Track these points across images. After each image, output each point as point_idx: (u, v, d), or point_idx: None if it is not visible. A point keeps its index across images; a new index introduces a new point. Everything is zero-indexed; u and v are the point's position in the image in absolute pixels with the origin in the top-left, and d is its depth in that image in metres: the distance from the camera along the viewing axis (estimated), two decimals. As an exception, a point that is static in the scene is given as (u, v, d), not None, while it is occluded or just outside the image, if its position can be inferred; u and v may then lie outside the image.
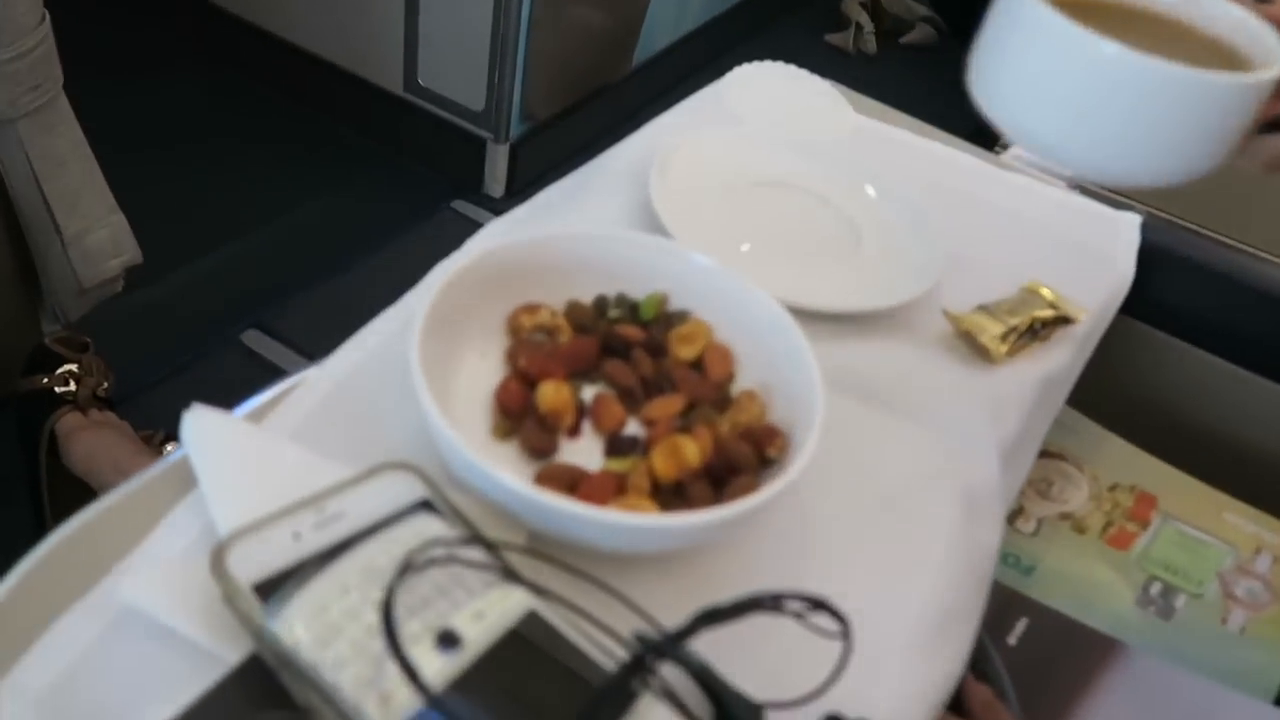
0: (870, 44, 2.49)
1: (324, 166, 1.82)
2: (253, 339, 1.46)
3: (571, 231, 0.51)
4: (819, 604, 0.36)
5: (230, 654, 0.36)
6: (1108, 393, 0.71)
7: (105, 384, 1.12)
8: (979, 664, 0.56)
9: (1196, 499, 0.66)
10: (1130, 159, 0.44)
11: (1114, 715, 0.54)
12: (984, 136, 0.89)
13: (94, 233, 1.02)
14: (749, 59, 0.78)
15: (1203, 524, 0.65)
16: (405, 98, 1.81)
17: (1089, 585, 0.61)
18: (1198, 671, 0.57)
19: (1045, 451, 0.70)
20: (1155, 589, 0.61)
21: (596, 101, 1.93)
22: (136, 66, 1.91)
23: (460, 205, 1.77)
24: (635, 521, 0.39)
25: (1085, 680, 0.56)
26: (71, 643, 0.36)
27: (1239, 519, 0.65)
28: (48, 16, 0.90)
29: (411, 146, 1.85)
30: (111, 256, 1.03)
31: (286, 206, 1.73)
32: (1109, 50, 0.41)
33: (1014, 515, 0.66)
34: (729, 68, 0.76)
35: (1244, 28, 0.46)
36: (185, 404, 0.42)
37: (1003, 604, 0.59)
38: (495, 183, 1.81)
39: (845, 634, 0.37)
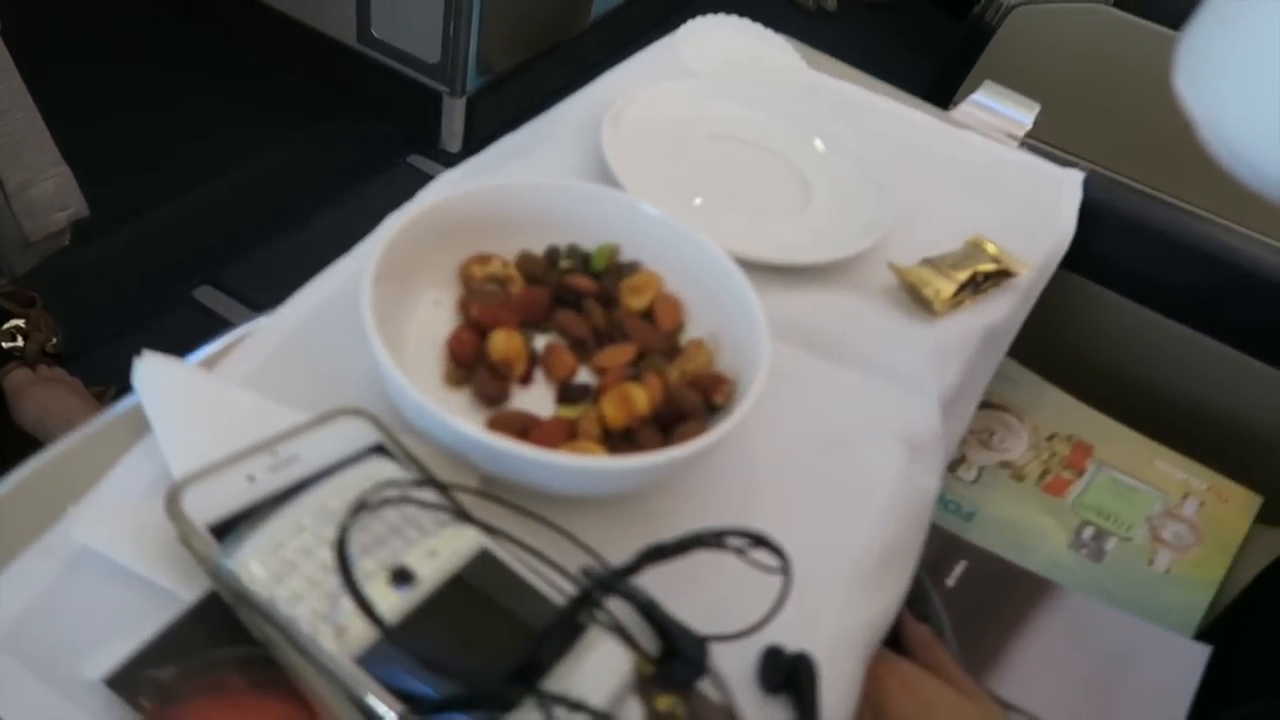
0: (831, 1, 2.49)
1: (277, 119, 1.79)
2: (205, 294, 1.44)
3: (523, 182, 0.51)
4: (759, 540, 0.38)
5: (188, 593, 0.36)
6: (1049, 346, 0.74)
7: (54, 340, 1.10)
8: (919, 604, 0.58)
9: (1130, 447, 0.69)
10: None
11: (1045, 650, 0.57)
12: (938, 95, 0.90)
13: (38, 185, 1.00)
14: (710, 13, 0.78)
15: (1135, 471, 0.68)
16: (358, 49, 1.77)
17: (1025, 530, 0.64)
18: (1125, 609, 0.60)
19: (988, 403, 0.72)
20: (1088, 533, 0.64)
21: (555, 55, 1.91)
22: (84, 15, 1.85)
23: (416, 160, 1.75)
24: (583, 464, 0.40)
25: (1019, 618, 0.58)
26: (29, 584, 0.36)
27: (1169, 466, 0.68)
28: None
29: (366, 99, 1.82)
30: (57, 209, 1.01)
31: (239, 160, 1.69)
32: None
33: (956, 464, 0.68)
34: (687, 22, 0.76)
35: None
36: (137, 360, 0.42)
37: (943, 548, 0.62)
38: (452, 137, 1.79)
39: (785, 569, 0.38)
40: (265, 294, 0.49)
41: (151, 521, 0.37)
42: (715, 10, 0.79)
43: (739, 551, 0.38)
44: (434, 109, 1.79)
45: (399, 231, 0.45)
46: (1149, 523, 0.65)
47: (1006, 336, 0.63)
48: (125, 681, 0.34)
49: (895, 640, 0.56)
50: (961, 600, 0.59)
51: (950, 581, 0.60)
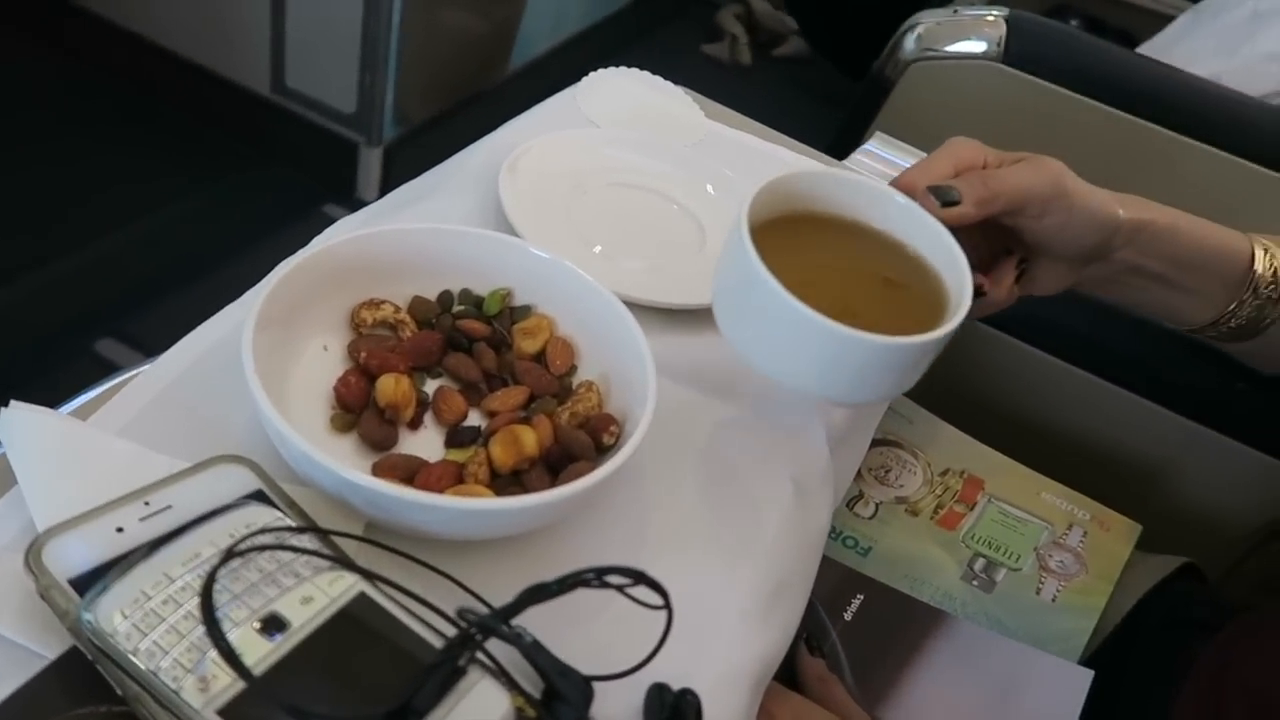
0: (745, 55, 2.56)
1: (190, 170, 1.76)
2: (108, 347, 1.41)
3: (415, 228, 0.52)
4: (640, 577, 0.38)
5: (50, 650, 0.35)
6: (942, 385, 0.76)
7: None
8: (816, 639, 0.59)
9: (1018, 481, 0.72)
10: (836, 392, 0.48)
11: (937, 679, 0.58)
12: (843, 147, 0.93)
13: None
14: (625, 66, 0.80)
15: (1023, 503, 0.70)
16: (273, 99, 1.77)
17: (920, 563, 0.66)
18: (1015, 638, 0.61)
19: (884, 440, 0.74)
20: (979, 564, 0.66)
21: (473, 106, 1.92)
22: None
23: (332, 209, 1.75)
24: (465, 505, 0.40)
25: (913, 649, 0.59)
26: (-125, 645, 0.35)
27: (1055, 498, 0.71)
28: None
29: (281, 149, 1.81)
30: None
31: (148, 210, 1.66)
32: (805, 314, 0.44)
33: (854, 500, 0.70)
34: None
35: (939, 245, 0.49)
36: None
37: (840, 583, 0.63)
38: (369, 187, 1.79)
39: (666, 605, 0.39)
40: (172, 345, 0.48)
41: (12, 576, 0.35)
42: (631, 64, 0.81)
43: (620, 589, 0.39)
44: (350, 159, 1.79)
45: (283, 277, 0.45)
46: (1036, 553, 0.67)
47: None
48: (-24, 744, 0.32)
49: (791, 675, 0.57)
50: (859, 634, 0.60)
51: (848, 615, 0.61)
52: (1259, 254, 0.54)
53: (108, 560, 0.36)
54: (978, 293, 0.50)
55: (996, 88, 1.31)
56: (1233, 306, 0.54)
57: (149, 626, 0.33)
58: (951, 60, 1.34)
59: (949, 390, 0.78)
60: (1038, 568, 0.66)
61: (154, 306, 1.47)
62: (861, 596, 0.62)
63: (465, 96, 1.88)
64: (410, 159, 1.86)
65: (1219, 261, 0.54)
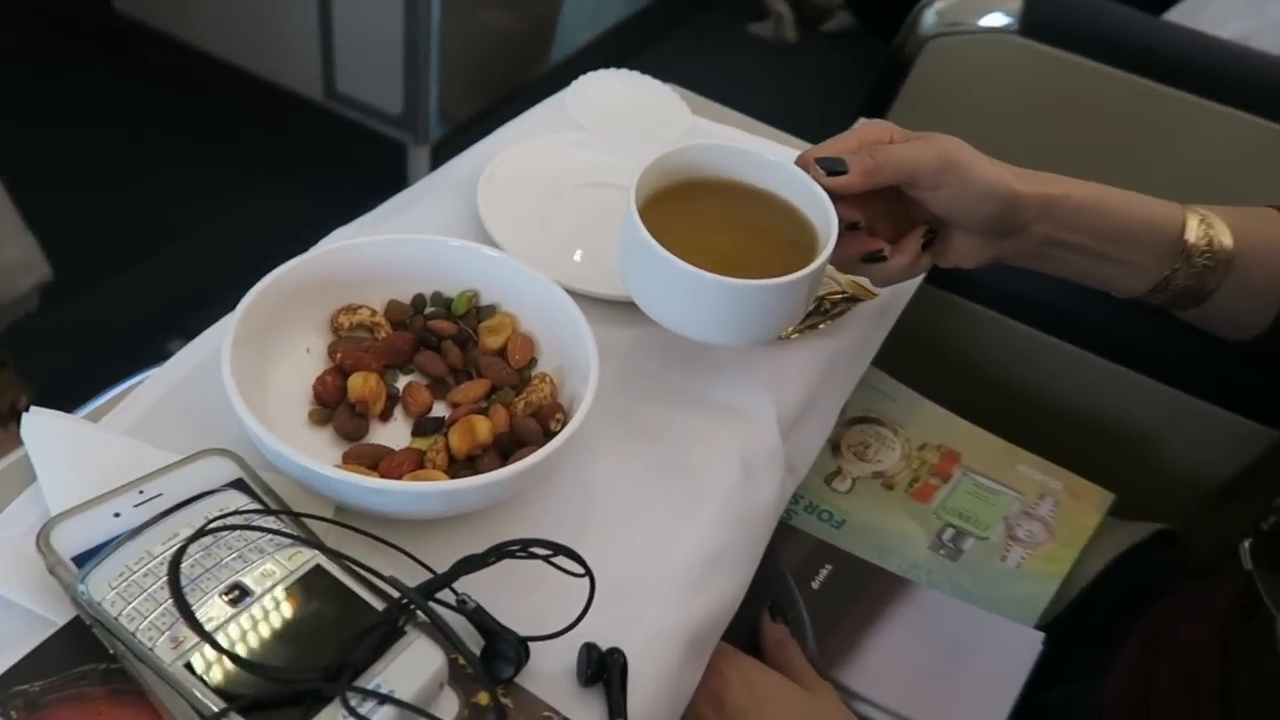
0: (790, 32, 2.56)
1: (249, 174, 1.87)
2: (178, 347, 1.51)
3: (390, 238, 0.57)
4: (559, 548, 0.43)
5: (58, 618, 0.42)
6: (922, 361, 0.79)
7: (23, 399, 1.16)
8: (782, 607, 0.63)
9: (994, 453, 0.74)
10: (719, 335, 0.55)
11: (894, 642, 0.61)
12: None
13: (4, 251, 1.07)
14: (669, 52, 0.84)
15: (997, 475, 0.72)
16: (326, 104, 1.86)
17: (890, 534, 0.69)
18: (976, 603, 0.64)
19: (865, 418, 0.77)
20: (948, 534, 0.69)
21: (516, 100, 1.98)
22: (53, 81, 1.94)
23: (383, 207, 1.83)
24: (411, 489, 0.45)
25: (874, 615, 0.63)
26: (-80, 614, 0.42)
27: (1029, 469, 0.73)
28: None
29: (335, 151, 1.90)
30: (22, 275, 1.08)
31: (215, 214, 1.77)
32: (683, 269, 0.51)
33: (832, 476, 0.73)
34: (649, 62, 0.82)
35: (812, 198, 0.55)
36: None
37: (810, 554, 0.67)
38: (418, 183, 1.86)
39: (588, 574, 0.44)
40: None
41: (28, 557, 0.42)
42: (674, 49, 0.85)
43: (545, 559, 0.44)
44: (399, 157, 1.87)
45: (261, 290, 0.51)
46: (1005, 522, 0.69)
47: (861, 355, 0.68)
48: (-4, 694, 0.39)
49: (754, 640, 0.61)
50: (824, 601, 0.64)
51: (815, 584, 0.65)
52: (1192, 223, 0.56)
53: (105, 540, 0.42)
54: (878, 257, 0.56)
55: (1017, 60, 1.31)
56: (1166, 274, 0.56)
57: (131, 595, 0.39)
58: (971, 34, 1.34)
59: (927, 366, 0.80)
60: (1005, 536, 0.68)
61: (219, 307, 1.57)
62: (830, 566, 0.66)
63: (507, 92, 1.94)
64: (455, 154, 1.93)
65: (1147, 232, 0.56)
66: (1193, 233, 0.56)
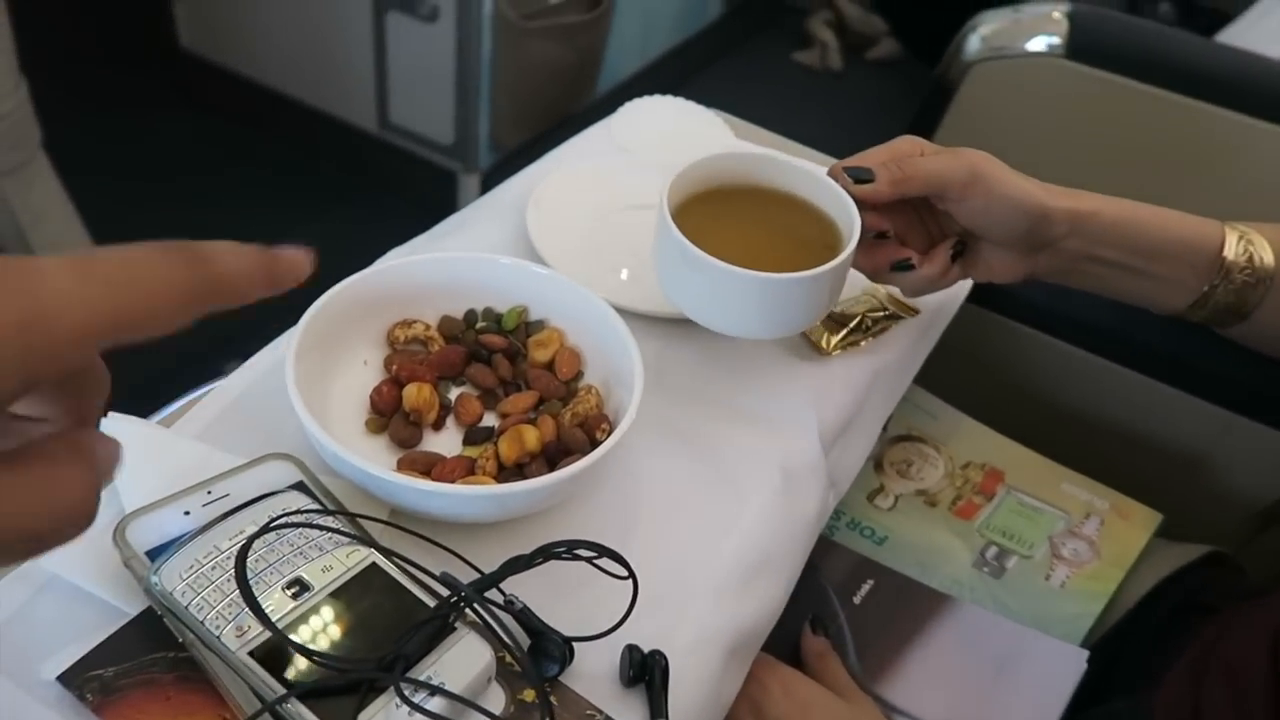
0: (836, 60, 2.58)
1: (305, 204, 1.93)
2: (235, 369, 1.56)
3: (443, 256, 0.59)
4: (604, 550, 0.45)
5: (131, 609, 0.44)
6: (966, 380, 0.79)
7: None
8: (823, 621, 0.64)
9: (1039, 472, 0.74)
10: (743, 328, 0.58)
11: (936, 657, 0.61)
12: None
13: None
14: (715, 82, 0.87)
15: (1042, 494, 0.72)
16: (380, 135, 1.91)
17: (933, 551, 0.69)
18: (1019, 621, 0.64)
19: (908, 436, 0.78)
20: (991, 552, 0.69)
21: (564, 130, 2.02)
22: (121, 113, 2.03)
23: (434, 234, 1.87)
24: (461, 492, 0.47)
25: (916, 630, 0.63)
26: (5, 604, 0.45)
27: (1075, 488, 0.72)
28: (24, 83, 1.00)
29: (388, 180, 1.95)
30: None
31: (270, 240, 1.82)
32: (713, 264, 0.54)
33: (874, 494, 0.73)
34: (696, 91, 0.85)
35: (838, 202, 0.57)
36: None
37: (852, 569, 0.67)
38: (468, 211, 1.91)
39: (631, 576, 0.45)
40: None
41: (105, 551, 0.45)
42: (721, 79, 0.87)
43: (589, 561, 0.45)
44: (450, 186, 1.91)
45: (321, 306, 0.54)
46: (1050, 541, 0.69)
47: (905, 372, 0.69)
48: (73, 679, 0.41)
49: (796, 652, 0.61)
50: (866, 616, 0.64)
51: (857, 599, 0.65)
52: (1231, 240, 0.56)
53: (176, 536, 0.45)
54: (906, 265, 0.58)
55: (1062, 83, 1.31)
56: (1205, 290, 0.56)
57: (200, 587, 0.42)
58: (1015, 59, 1.34)
59: (971, 385, 0.80)
60: (1050, 555, 0.68)
61: (276, 330, 1.62)
62: (871, 581, 0.66)
63: (556, 122, 1.99)
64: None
65: (1185, 248, 0.56)
66: (1232, 249, 0.56)
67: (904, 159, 0.55)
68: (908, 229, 0.59)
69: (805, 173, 0.59)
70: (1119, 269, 0.57)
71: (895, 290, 0.67)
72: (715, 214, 0.59)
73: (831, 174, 0.57)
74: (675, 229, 0.55)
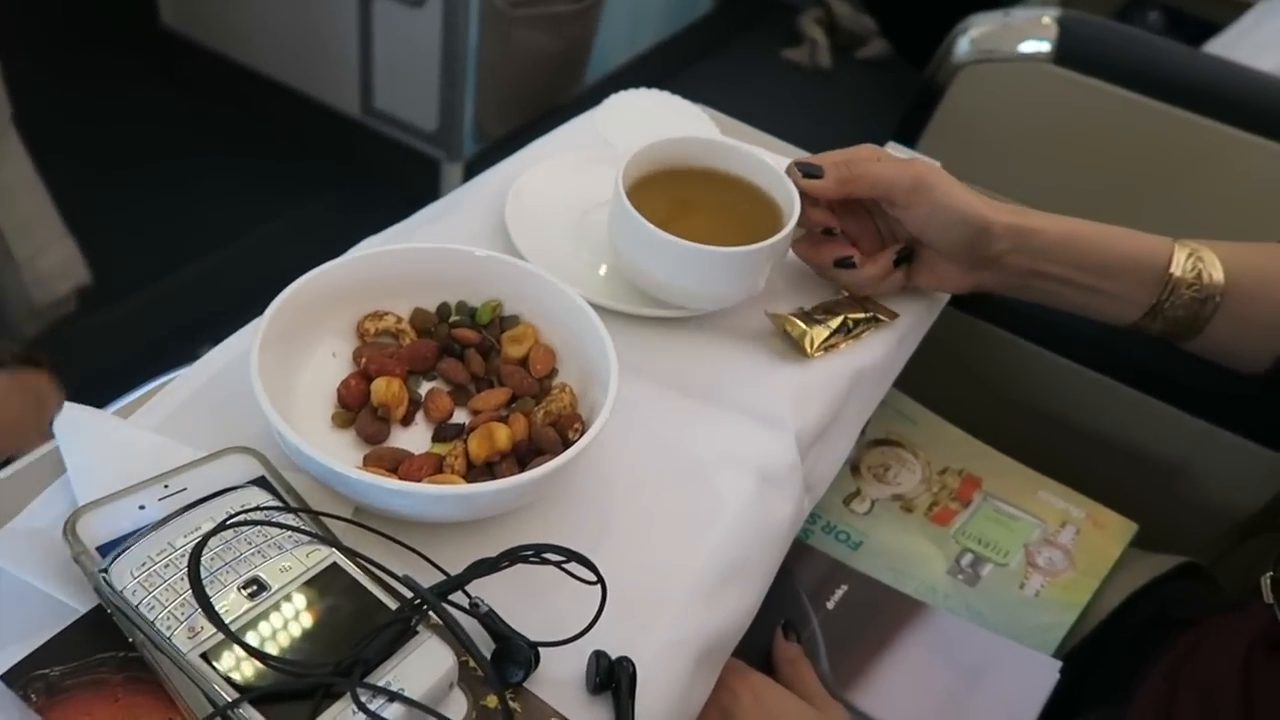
0: (826, 58, 2.57)
1: (285, 187, 1.90)
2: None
3: (417, 247, 0.58)
4: (572, 555, 0.43)
5: (81, 606, 0.43)
6: (945, 384, 0.79)
7: (58, 397, 1.19)
8: (795, 626, 0.63)
9: (1016, 479, 0.73)
10: (684, 298, 0.61)
11: (909, 665, 0.61)
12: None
13: (45, 256, 1.10)
14: (704, 76, 0.86)
15: (1019, 501, 0.72)
16: (363, 120, 1.89)
17: (908, 558, 0.68)
18: (992, 629, 0.64)
19: (886, 440, 0.77)
20: (966, 560, 0.68)
21: (550, 120, 2.00)
22: (99, 91, 1.99)
23: (416, 222, 1.85)
24: (432, 491, 0.46)
25: (890, 637, 0.63)
26: (-51, 598, 0.43)
27: (1051, 496, 0.72)
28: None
29: (370, 166, 1.93)
30: (61, 278, 1.11)
31: (247, 225, 1.80)
32: (660, 236, 0.58)
33: (850, 497, 0.73)
34: (684, 85, 0.84)
35: (785, 191, 0.61)
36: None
37: (826, 574, 0.66)
38: (450, 200, 1.89)
39: (599, 581, 0.44)
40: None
41: (54, 546, 0.43)
42: (710, 74, 0.87)
43: (558, 565, 0.44)
44: (433, 174, 1.89)
45: (288, 295, 0.52)
46: (1025, 549, 0.69)
47: (884, 376, 0.68)
48: (17, 678, 0.40)
49: (767, 658, 0.61)
50: (839, 622, 0.63)
51: (830, 604, 0.64)
52: (1179, 256, 0.58)
53: (130, 532, 0.43)
54: (848, 262, 0.62)
55: (1050, 88, 1.31)
56: (1152, 304, 0.58)
57: (152, 585, 0.40)
58: (1004, 62, 1.34)
59: (956, 391, 0.80)
60: (1025, 564, 0.68)
61: (251, 315, 1.60)
62: (845, 587, 0.65)
63: (541, 111, 1.97)
64: (488, 171, 1.95)
65: (1132, 264, 0.58)
66: (1179, 265, 0.57)
67: (855, 161, 0.58)
68: (861, 232, 0.63)
69: (755, 159, 0.63)
70: (1067, 284, 0.59)
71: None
72: (667, 191, 0.62)
73: (786, 170, 0.60)
74: (628, 202, 0.58)
